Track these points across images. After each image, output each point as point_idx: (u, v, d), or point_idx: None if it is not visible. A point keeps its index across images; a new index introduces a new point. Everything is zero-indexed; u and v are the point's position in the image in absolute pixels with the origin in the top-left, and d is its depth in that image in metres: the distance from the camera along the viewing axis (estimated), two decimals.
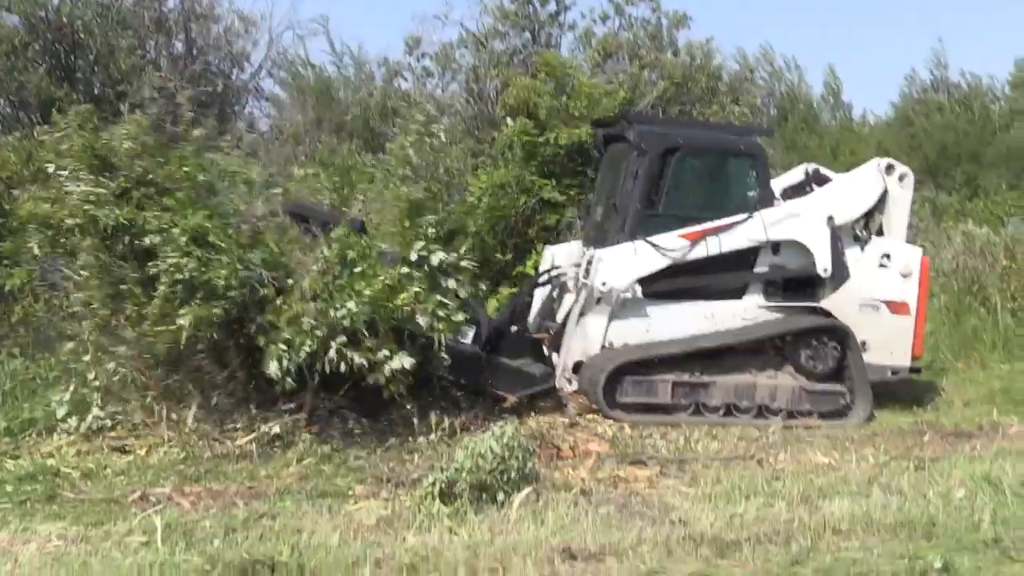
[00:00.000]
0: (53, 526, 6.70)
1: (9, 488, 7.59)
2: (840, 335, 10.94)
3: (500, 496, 7.26)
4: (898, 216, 11.60)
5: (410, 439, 9.11)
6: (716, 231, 10.82)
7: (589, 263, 10.69)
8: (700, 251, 10.81)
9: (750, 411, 10.67)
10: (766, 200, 11.14)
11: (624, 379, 10.40)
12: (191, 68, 15.62)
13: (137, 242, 8.77)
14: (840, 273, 11.13)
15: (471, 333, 10.25)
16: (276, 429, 8.71)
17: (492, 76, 14.60)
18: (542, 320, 11.44)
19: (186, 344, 8.57)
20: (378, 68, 17.99)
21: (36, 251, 9.24)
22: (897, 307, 11.23)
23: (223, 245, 8.59)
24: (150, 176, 9.13)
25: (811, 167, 12.20)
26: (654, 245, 10.68)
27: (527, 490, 7.39)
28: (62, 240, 9.11)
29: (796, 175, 12.07)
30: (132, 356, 8.89)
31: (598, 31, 15.11)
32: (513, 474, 7.41)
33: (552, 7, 15.27)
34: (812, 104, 37.77)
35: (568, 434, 9.65)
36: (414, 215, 9.65)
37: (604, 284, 10.57)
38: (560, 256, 11.74)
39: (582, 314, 10.73)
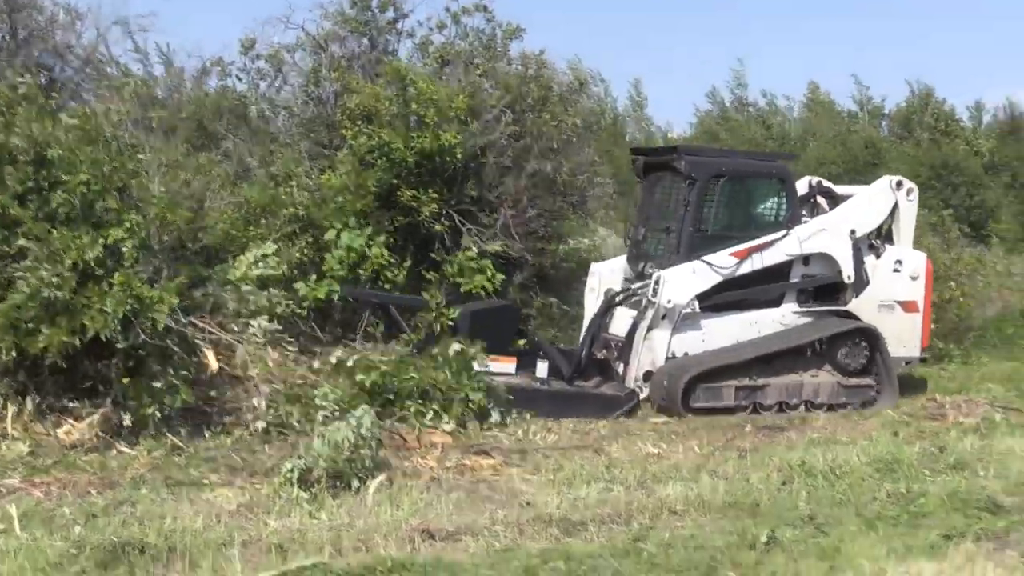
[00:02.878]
0: None
1: None
2: (871, 336, 12.29)
3: (355, 483, 7.57)
4: (906, 225, 12.98)
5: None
6: (760, 248, 12.08)
7: (656, 283, 11.58)
8: (746, 266, 12.04)
9: (798, 407, 11.80)
10: (796, 218, 12.40)
11: (697, 386, 11.46)
12: (14, 60, 15.12)
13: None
14: (861, 279, 12.52)
15: (544, 367, 11.34)
16: (127, 421, 8.70)
17: (332, 80, 14.80)
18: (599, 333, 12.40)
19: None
20: (195, 67, 17.65)
21: None
22: (909, 306, 12.69)
23: (117, 285, 8.45)
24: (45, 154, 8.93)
25: (814, 180, 13.47)
26: (709, 264, 11.81)
27: (380, 477, 7.73)
28: None
29: (801, 187, 13.13)
30: None
31: (436, 40, 15.47)
32: (367, 462, 7.74)
33: (391, 14, 15.56)
34: (617, 118, 39.11)
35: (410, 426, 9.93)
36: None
37: (669, 302, 11.60)
38: (606, 274, 12.83)
39: (649, 329, 11.78)
